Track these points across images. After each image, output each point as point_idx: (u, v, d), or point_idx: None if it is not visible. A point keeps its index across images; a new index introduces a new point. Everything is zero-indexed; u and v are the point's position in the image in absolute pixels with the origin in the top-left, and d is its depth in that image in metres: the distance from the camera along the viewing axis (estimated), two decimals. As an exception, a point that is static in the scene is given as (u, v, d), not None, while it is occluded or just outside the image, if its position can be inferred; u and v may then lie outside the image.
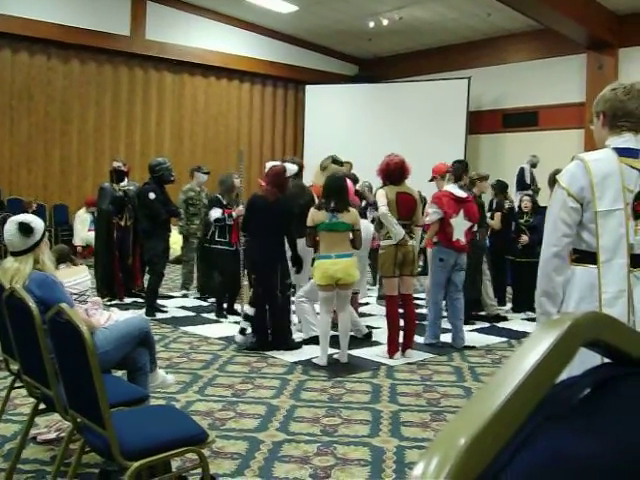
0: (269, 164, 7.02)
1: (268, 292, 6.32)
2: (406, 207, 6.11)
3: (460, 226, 6.71)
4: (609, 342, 0.56)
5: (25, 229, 3.62)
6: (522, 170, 12.39)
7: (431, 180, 7.31)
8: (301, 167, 7.47)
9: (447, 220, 6.61)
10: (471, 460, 0.43)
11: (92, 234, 11.20)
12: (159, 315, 7.95)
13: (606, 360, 0.60)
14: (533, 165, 12.28)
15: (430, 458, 0.42)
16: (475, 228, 7.11)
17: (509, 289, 9.18)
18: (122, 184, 8.99)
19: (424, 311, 8.05)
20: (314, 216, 5.91)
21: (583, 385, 0.56)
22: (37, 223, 3.71)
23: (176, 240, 9.97)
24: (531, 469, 0.47)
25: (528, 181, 12.17)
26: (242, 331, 6.46)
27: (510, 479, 0.47)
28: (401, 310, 6.27)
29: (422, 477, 0.42)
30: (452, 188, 6.82)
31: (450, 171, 7.10)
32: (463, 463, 0.42)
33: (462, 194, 6.84)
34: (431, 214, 6.66)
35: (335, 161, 7.71)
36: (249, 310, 6.40)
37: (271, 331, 6.43)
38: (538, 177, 11.89)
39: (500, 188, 9.17)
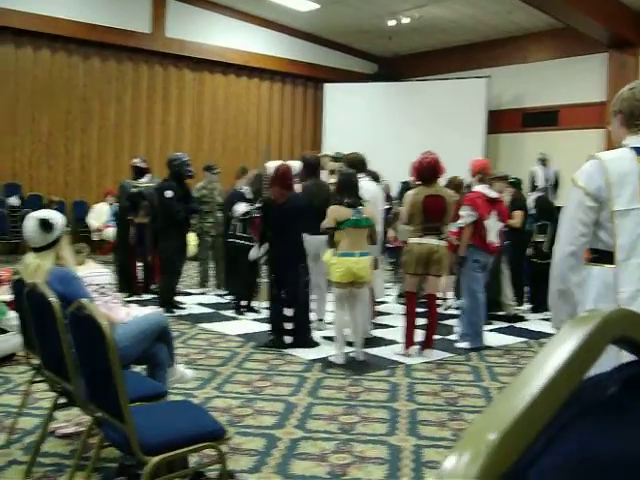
0: (271, 165, 6.99)
1: (290, 290, 6.34)
2: (434, 209, 6.02)
3: (493, 227, 6.61)
4: (637, 339, 0.56)
5: (45, 225, 3.64)
6: (531, 173, 12.34)
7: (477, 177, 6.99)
8: (318, 164, 7.45)
9: (481, 222, 6.49)
10: (501, 455, 0.43)
11: (111, 229, 11.27)
12: (177, 311, 7.98)
13: (630, 357, 0.59)
14: (543, 163, 12.19)
15: (461, 452, 0.42)
16: (505, 229, 6.99)
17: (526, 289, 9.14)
18: (142, 180, 9.03)
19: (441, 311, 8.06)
20: (337, 213, 5.81)
21: (611, 382, 0.56)
22: (57, 219, 3.72)
23: (192, 238, 10.01)
24: (559, 465, 0.47)
25: (538, 183, 12.09)
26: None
27: (538, 475, 0.47)
28: (423, 309, 6.26)
29: (453, 471, 0.42)
30: (483, 188, 6.68)
31: (486, 172, 6.91)
32: (494, 458, 0.42)
33: (493, 194, 6.72)
34: (465, 217, 6.52)
35: (336, 158, 7.70)
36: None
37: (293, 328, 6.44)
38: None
39: (517, 186, 9.10)
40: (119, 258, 9.10)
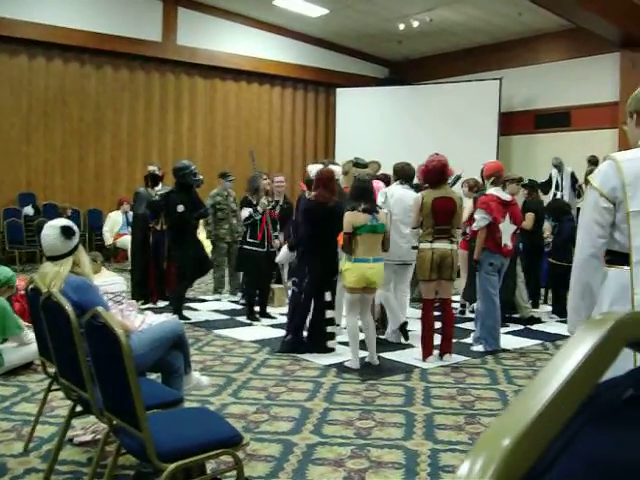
0: (313, 168, 6.99)
1: (333, 293, 6.45)
2: (443, 212, 6.01)
3: (507, 231, 6.57)
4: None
5: (67, 232, 3.67)
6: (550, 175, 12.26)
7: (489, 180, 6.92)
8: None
9: (496, 225, 6.43)
10: (515, 462, 0.43)
11: (126, 237, 11.28)
12: (193, 319, 7.97)
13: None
14: (557, 168, 12.09)
15: (475, 458, 0.42)
16: (518, 231, 6.96)
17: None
18: (157, 188, 9.04)
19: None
20: (353, 219, 5.80)
21: (626, 386, 0.55)
22: (75, 227, 3.78)
23: (207, 244, 10.02)
24: (575, 471, 0.47)
25: (551, 186, 11.97)
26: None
27: None
28: (438, 313, 6.24)
29: (467, 477, 0.42)
30: (497, 191, 6.61)
31: (500, 175, 6.80)
32: (507, 464, 0.42)
33: (507, 197, 6.66)
34: (479, 220, 6.45)
35: (357, 164, 7.69)
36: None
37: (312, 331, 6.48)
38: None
39: (533, 187, 9.07)
40: (136, 266, 9.09)
